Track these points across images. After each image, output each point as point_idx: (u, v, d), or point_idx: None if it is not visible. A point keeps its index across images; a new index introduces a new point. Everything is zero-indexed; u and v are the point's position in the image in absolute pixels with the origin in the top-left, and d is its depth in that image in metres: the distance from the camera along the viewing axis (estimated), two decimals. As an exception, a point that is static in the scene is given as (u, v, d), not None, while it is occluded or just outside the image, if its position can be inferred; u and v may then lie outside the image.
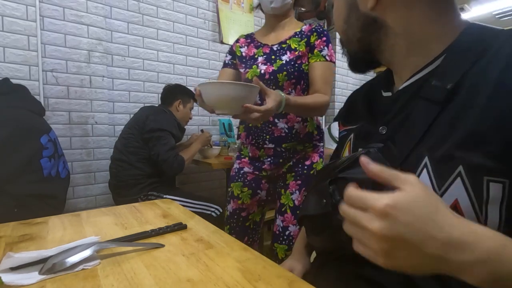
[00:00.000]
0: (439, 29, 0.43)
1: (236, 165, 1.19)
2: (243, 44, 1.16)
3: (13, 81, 1.43)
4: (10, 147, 1.17)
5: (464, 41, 0.42)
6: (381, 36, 0.46)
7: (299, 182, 1.08)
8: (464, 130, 0.36)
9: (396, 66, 0.49)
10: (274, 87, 1.04)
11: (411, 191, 0.30)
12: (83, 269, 0.43)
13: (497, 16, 3.91)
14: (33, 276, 0.40)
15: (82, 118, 1.82)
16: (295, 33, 1.08)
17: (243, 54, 1.13)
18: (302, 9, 1.18)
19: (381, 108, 0.52)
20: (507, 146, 0.33)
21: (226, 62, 1.18)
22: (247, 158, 1.16)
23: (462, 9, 3.59)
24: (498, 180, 0.34)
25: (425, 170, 0.39)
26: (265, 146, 1.10)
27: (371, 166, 0.32)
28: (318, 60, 1.03)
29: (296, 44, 1.05)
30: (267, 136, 1.08)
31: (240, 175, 1.15)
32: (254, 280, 0.40)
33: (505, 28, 0.41)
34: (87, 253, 0.45)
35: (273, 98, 0.78)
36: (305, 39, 1.05)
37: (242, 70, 1.11)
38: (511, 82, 0.34)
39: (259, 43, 1.13)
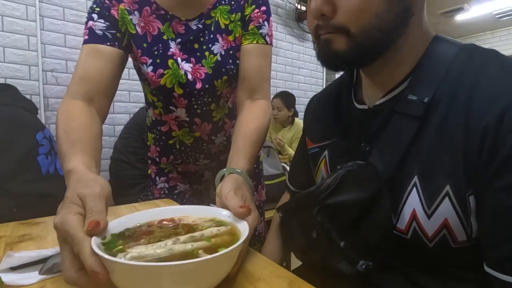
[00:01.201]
0: (421, 40, 0.43)
1: (161, 184, 0.83)
2: (131, 8, 0.63)
3: (13, 81, 1.43)
4: (5, 144, 1.15)
5: (432, 56, 0.41)
6: (394, 40, 0.40)
7: (254, 183, 0.88)
8: (448, 149, 0.36)
9: (383, 74, 0.45)
10: (209, 99, 0.71)
11: None
12: (83, 269, 0.43)
13: (497, 16, 3.91)
14: (33, 276, 0.40)
15: (82, 118, 1.82)
16: None
17: (138, 31, 0.63)
18: (302, 8, 1.07)
19: (356, 122, 0.49)
20: (473, 163, 0.34)
21: (98, 32, 0.60)
22: (176, 173, 0.84)
23: (462, 8, 3.59)
24: (472, 192, 0.35)
25: (414, 189, 0.39)
26: (198, 163, 0.81)
27: None
28: (254, 41, 0.67)
29: (227, 20, 0.67)
30: (201, 155, 0.80)
31: (175, 197, 0.83)
32: (254, 280, 0.40)
33: (465, 43, 0.42)
34: (87, 253, 0.45)
35: (247, 191, 0.49)
36: (239, 13, 0.68)
37: (147, 69, 0.64)
38: (477, 108, 0.35)
39: (163, 11, 0.65)
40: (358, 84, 0.52)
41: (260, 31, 0.68)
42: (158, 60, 0.65)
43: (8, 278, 0.39)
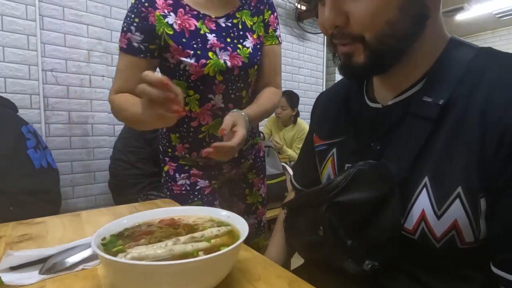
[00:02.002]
0: (437, 42, 0.43)
1: (182, 181, 0.87)
2: (166, 11, 0.71)
3: (13, 80, 1.43)
4: None
5: (449, 58, 0.41)
6: (412, 44, 0.40)
7: (261, 176, 0.99)
8: (462, 152, 0.36)
9: (396, 75, 0.44)
10: (242, 85, 0.82)
11: None
12: (83, 269, 0.43)
13: (497, 16, 3.91)
14: (33, 276, 0.40)
15: (82, 118, 1.82)
16: (241, 2, 0.81)
17: (176, 28, 0.72)
18: (302, 7, 1.11)
19: (367, 121, 0.48)
20: (487, 166, 0.34)
21: (134, 44, 0.71)
22: (196, 169, 0.88)
23: (462, 8, 3.59)
24: (483, 195, 0.35)
25: (424, 190, 0.38)
26: None
27: None
28: (273, 43, 0.85)
29: (251, 21, 0.81)
30: None
31: (196, 193, 0.87)
32: (254, 280, 0.40)
33: (481, 46, 0.42)
34: (87, 253, 0.45)
35: (242, 124, 0.65)
36: (260, 16, 0.82)
37: (190, 60, 0.72)
38: (494, 112, 0.34)
39: (196, 11, 0.74)
40: (369, 82, 0.52)
41: (276, 33, 0.85)
42: (199, 52, 0.73)
43: (8, 277, 0.39)
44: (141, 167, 1.66)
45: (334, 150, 0.53)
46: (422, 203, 0.38)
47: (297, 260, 0.61)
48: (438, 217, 0.37)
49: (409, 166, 0.39)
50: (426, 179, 0.38)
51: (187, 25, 0.73)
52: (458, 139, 0.37)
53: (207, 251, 0.35)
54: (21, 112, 1.58)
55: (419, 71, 0.43)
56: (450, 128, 0.37)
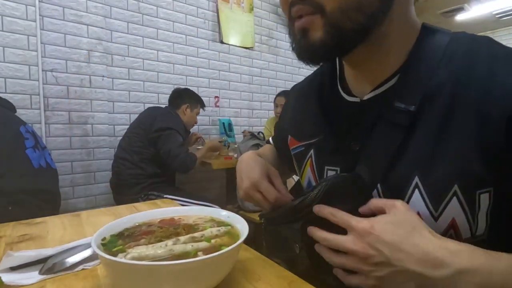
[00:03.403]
0: (409, 28, 0.40)
1: None
2: None
3: (13, 81, 1.42)
4: None
5: (423, 47, 0.39)
6: (378, 25, 0.37)
7: None
8: (454, 145, 0.34)
9: (368, 64, 0.42)
10: None
11: (392, 214, 0.33)
12: (83, 269, 0.43)
13: (497, 16, 3.90)
14: (33, 276, 0.40)
15: (82, 118, 1.82)
16: None
17: None
18: None
19: (345, 116, 0.45)
20: (493, 157, 0.33)
21: None
22: None
23: (462, 8, 3.59)
24: (486, 190, 0.34)
25: (417, 191, 0.36)
26: None
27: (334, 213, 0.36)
28: None
29: None
30: None
31: None
32: (254, 280, 0.40)
33: (455, 31, 0.40)
34: (87, 253, 0.45)
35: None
36: None
37: None
38: (497, 97, 0.33)
39: None
40: (342, 74, 0.48)
41: None
42: None
43: (8, 278, 0.39)
44: (144, 167, 1.67)
45: (312, 151, 0.50)
46: (416, 205, 0.36)
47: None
48: (436, 218, 0.36)
49: (387, 171, 0.38)
50: (416, 179, 0.36)
51: None
52: (447, 133, 0.35)
53: (207, 251, 0.35)
54: (21, 112, 1.58)
55: (393, 62, 0.40)
56: (436, 122, 0.36)
